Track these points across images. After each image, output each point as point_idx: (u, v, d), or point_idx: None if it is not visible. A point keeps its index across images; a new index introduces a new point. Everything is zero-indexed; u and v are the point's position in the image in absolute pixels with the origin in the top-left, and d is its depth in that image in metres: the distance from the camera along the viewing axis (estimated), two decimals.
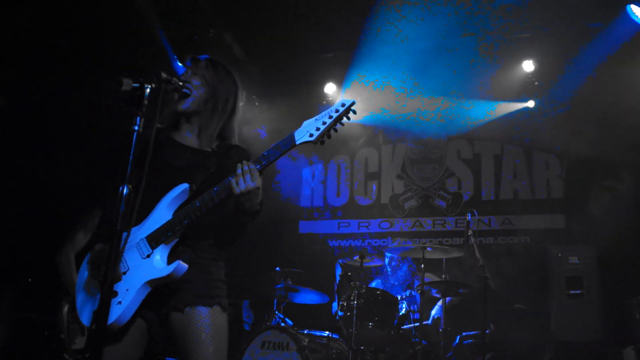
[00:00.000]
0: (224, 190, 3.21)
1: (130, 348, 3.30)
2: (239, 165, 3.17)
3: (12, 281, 7.88)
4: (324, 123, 3.15)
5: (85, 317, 3.31)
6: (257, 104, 10.06)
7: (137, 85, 2.92)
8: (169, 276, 3.17)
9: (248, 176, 3.15)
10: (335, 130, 3.19)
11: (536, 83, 9.12)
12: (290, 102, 9.81)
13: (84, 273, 3.44)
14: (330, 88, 9.77)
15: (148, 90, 2.94)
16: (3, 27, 7.76)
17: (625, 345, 7.04)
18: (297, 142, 3.18)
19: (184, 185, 3.36)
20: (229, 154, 3.60)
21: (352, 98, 8.63)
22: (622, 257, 7.87)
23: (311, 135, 3.15)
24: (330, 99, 9.91)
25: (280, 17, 8.58)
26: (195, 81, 3.57)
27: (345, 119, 3.19)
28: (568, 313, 7.53)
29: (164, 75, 3.31)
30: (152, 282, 3.20)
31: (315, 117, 3.20)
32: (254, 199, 3.22)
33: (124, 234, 2.72)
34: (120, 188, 2.77)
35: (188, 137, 3.62)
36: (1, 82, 8.20)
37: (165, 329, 3.36)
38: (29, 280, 7.77)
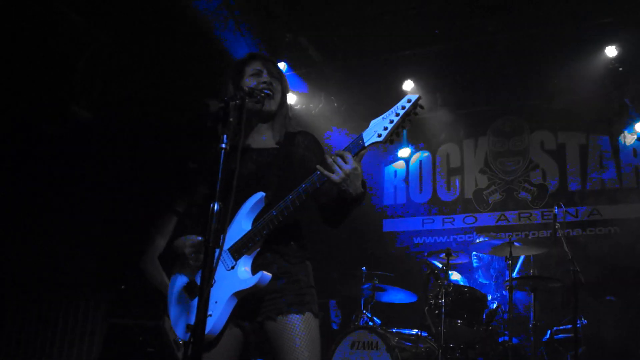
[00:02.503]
0: (312, 186, 3.18)
1: (225, 357, 3.39)
2: (328, 156, 3.11)
3: (106, 288, 8.12)
4: (391, 122, 3.04)
5: (181, 330, 3.41)
6: (335, 105, 10.12)
7: (223, 104, 2.95)
8: (254, 287, 3.22)
9: (340, 160, 3.07)
10: (404, 127, 3.08)
11: (620, 69, 8.88)
12: (369, 101, 9.87)
13: (174, 286, 3.54)
14: (408, 85, 9.70)
15: (232, 107, 2.96)
16: (89, 45, 8.05)
17: None
18: (367, 144, 3.09)
19: (260, 194, 3.37)
20: (295, 142, 3.63)
21: (431, 92, 8.73)
22: None
23: (379, 135, 3.05)
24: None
25: (354, 18, 8.62)
26: (275, 83, 3.64)
27: (413, 114, 3.07)
28: None
29: (246, 88, 3.40)
30: (238, 294, 3.26)
31: (382, 115, 3.09)
32: (355, 182, 3.12)
33: (217, 251, 2.75)
34: (212, 205, 2.80)
35: (259, 137, 3.68)
36: (87, 98, 8.48)
37: (261, 337, 3.42)
38: (122, 287, 7.96)
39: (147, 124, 8.62)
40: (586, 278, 6.89)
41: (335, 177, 3.09)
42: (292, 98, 9.84)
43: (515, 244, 7.08)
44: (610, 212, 9.02)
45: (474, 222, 9.78)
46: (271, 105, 3.60)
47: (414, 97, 3.07)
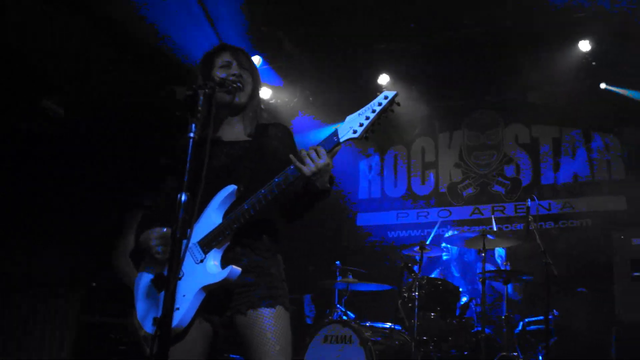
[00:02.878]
0: (285, 181, 3.17)
1: (194, 351, 3.37)
2: (302, 150, 3.13)
3: (78, 286, 8.05)
4: (367, 118, 3.06)
5: (148, 324, 3.37)
6: (310, 99, 10.11)
7: (191, 92, 2.92)
8: (223, 281, 3.20)
9: (314, 154, 3.10)
10: (379, 124, 3.10)
11: (593, 63, 8.94)
12: (345, 95, 9.88)
13: (140, 281, 3.49)
14: (384, 79, 9.73)
15: (201, 96, 2.93)
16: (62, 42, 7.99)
17: None
18: (341, 140, 3.12)
19: (231, 187, 3.33)
20: (268, 133, 3.60)
21: (406, 86, 8.76)
22: None
23: (355, 131, 3.07)
24: (384, 90, 9.85)
25: (330, 11, 8.60)
26: (245, 75, 3.59)
27: (389, 111, 3.09)
28: (633, 295, 7.37)
29: (216, 78, 3.37)
30: (207, 288, 3.23)
31: (358, 111, 3.10)
32: (324, 176, 3.18)
33: (184, 242, 2.74)
34: (179, 195, 2.77)
35: (230, 129, 3.64)
36: (59, 94, 8.42)
37: (231, 331, 3.39)
38: (93, 284, 7.89)
39: (116, 119, 8.58)
40: (558, 270, 6.96)
41: (306, 170, 3.10)
42: (267, 92, 9.84)
43: (489, 236, 7.12)
44: (582, 205, 9.11)
45: (448, 216, 9.81)
46: (241, 98, 3.56)
47: (390, 94, 3.07)
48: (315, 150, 3.10)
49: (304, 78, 9.96)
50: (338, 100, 9.96)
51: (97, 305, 7.53)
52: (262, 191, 3.20)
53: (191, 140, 2.85)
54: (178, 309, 3.18)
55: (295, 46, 9.48)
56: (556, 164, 9.44)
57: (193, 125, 2.86)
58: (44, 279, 8.07)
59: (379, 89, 9.83)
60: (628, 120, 9.01)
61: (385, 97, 3.07)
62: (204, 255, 3.29)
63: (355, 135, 3.06)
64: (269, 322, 3.30)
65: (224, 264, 3.29)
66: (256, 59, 9.37)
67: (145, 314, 3.42)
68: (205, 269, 3.26)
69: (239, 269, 3.22)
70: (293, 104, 10.00)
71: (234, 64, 3.60)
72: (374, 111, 3.05)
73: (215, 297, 3.29)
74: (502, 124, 9.96)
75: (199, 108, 2.90)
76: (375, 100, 3.07)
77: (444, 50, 9.15)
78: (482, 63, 9.32)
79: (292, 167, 3.16)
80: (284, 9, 8.67)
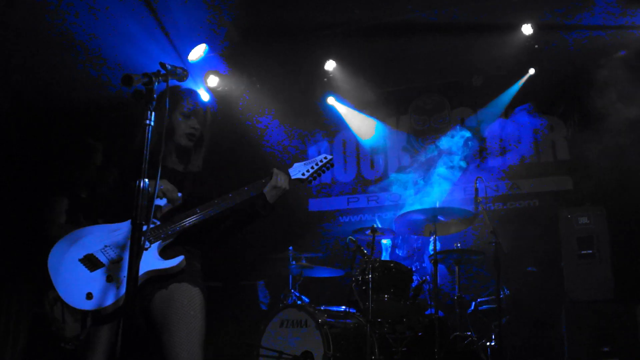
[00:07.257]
0: (247, 193, 3.83)
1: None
2: (275, 169, 3.94)
3: (29, 278, 7.93)
4: (312, 168, 4.10)
5: (78, 300, 3.30)
6: (258, 86, 10.04)
7: (147, 80, 2.98)
8: (171, 268, 3.49)
9: (281, 179, 3.91)
10: (319, 175, 4.13)
11: (536, 46, 9.08)
12: (291, 82, 9.86)
13: (63, 258, 3.42)
14: (330, 65, 9.76)
15: (156, 85, 3.03)
16: None
17: (638, 302, 7.09)
18: (292, 178, 4.04)
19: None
20: (201, 177, 4.01)
21: (353, 71, 8.74)
22: (632, 215, 7.89)
23: (303, 174, 4.06)
24: (331, 76, 9.89)
25: None
26: (198, 131, 3.95)
27: (326, 168, 4.17)
28: (580, 273, 7.53)
29: (168, 66, 3.35)
30: (151, 272, 3.45)
31: (304, 162, 4.13)
32: (279, 196, 3.95)
33: (144, 227, 2.84)
34: (138, 182, 2.87)
35: (173, 160, 3.96)
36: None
37: (145, 316, 3.55)
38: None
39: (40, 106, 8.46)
40: (508, 250, 7.07)
41: (278, 180, 3.90)
42: (214, 80, 9.77)
43: (439, 217, 7.19)
44: (529, 186, 9.25)
45: (398, 200, 9.87)
46: (188, 144, 3.95)
47: (328, 157, 4.22)
48: (282, 176, 3.94)
49: (250, 65, 9.89)
50: (285, 87, 9.94)
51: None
52: (216, 200, 3.70)
53: (149, 127, 2.97)
54: (118, 288, 3.35)
55: (240, 33, 9.39)
56: (503, 146, 9.56)
57: (149, 113, 2.97)
58: None
59: (325, 75, 9.89)
60: (572, 102, 9.17)
61: (325, 157, 4.20)
62: (148, 244, 3.49)
63: (303, 177, 4.08)
64: (190, 296, 3.52)
65: (161, 254, 3.54)
66: (202, 47, 9.30)
67: (71, 289, 3.34)
68: (151, 256, 3.48)
69: (184, 262, 3.53)
70: (240, 91, 9.92)
71: (197, 121, 3.97)
72: (317, 164, 4.14)
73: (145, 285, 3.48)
74: (449, 107, 10.05)
75: (154, 96, 3.01)
76: (318, 158, 4.19)
77: (389, 35, 9.15)
78: (427, 47, 9.36)
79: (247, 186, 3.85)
80: None
